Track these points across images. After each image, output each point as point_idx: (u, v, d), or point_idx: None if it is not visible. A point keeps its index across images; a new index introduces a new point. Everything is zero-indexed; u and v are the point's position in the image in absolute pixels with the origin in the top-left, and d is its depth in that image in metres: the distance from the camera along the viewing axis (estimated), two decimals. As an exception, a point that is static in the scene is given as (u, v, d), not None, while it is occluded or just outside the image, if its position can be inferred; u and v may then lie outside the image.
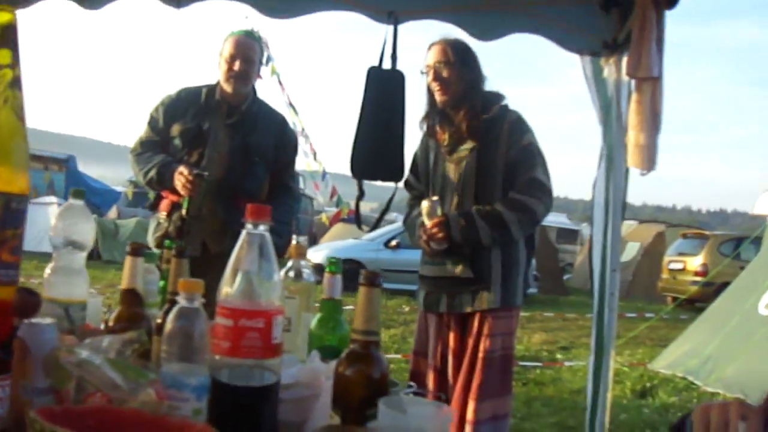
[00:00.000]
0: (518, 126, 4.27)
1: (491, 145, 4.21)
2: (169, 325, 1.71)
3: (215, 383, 1.69)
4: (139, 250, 2.23)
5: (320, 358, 2.05)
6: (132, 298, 2.17)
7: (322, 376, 1.91)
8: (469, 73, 4.29)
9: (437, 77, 4.24)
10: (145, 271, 2.44)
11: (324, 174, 13.85)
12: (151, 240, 4.69)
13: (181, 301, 1.70)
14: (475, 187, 4.18)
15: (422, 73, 4.33)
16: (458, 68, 4.25)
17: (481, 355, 4.16)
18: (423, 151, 4.49)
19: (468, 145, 4.23)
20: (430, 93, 4.32)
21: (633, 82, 4.61)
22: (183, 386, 1.68)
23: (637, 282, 23.98)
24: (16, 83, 1.48)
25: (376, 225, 4.74)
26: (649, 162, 4.45)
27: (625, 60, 4.63)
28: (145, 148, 4.72)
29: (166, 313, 2.05)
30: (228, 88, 4.70)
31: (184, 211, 4.52)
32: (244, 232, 1.70)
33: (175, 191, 4.55)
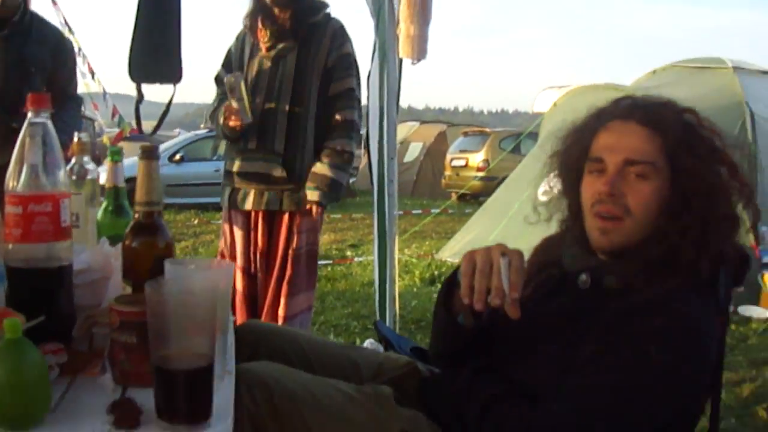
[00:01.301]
0: (341, 33, 4.36)
1: (312, 47, 4.29)
2: (-39, 217, 1.77)
3: (10, 270, 1.76)
4: None
5: (109, 244, 2.15)
6: None
7: (111, 258, 2.00)
8: None
9: None
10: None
11: (104, 94, 13.47)
12: None
13: (-29, 191, 1.76)
14: (293, 85, 4.26)
15: None
16: None
17: (290, 252, 4.31)
18: (238, 48, 4.50)
19: (288, 44, 4.29)
20: None
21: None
22: (-21, 275, 1.76)
23: (422, 181, 24.50)
24: None
25: (157, 127, 4.76)
26: (419, 52, 4.69)
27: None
28: None
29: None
30: None
31: None
32: (26, 123, 1.75)
33: None
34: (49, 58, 4.75)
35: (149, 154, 1.76)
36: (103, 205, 2.49)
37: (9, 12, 4.61)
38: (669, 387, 1.87)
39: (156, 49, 4.45)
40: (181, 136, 21.36)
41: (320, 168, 4.29)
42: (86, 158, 2.58)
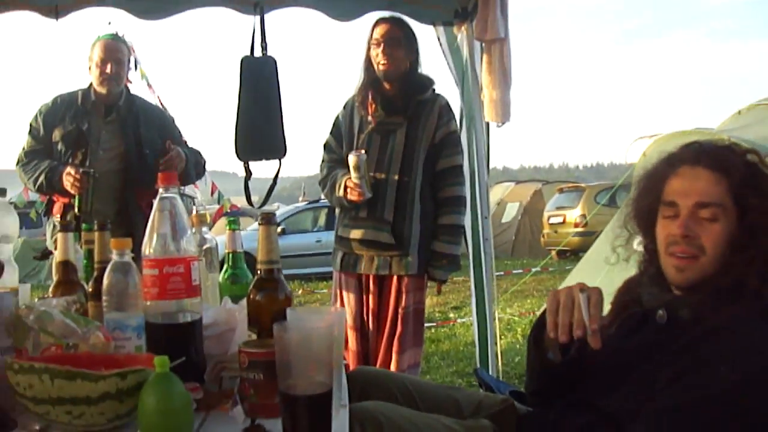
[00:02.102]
0: (447, 111, 4.60)
1: (420, 123, 4.52)
2: (107, 279, 2.06)
3: (149, 325, 2.03)
4: (68, 226, 2.55)
5: (231, 302, 2.43)
6: (67, 268, 2.49)
7: (235, 313, 2.27)
8: (412, 54, 4.57)
9: (386, 51, 4.47)
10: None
11: (202, 171, 13.91)
12: (50, 243, 4.87)
13: (115, 257, 2.05)
14: (402, 158, 4.47)
15: (369, 44, 4.56)
16: (405, 46, 4.52)
17: (400, 311, 4.52)
18: (347, 117, 4.73)
19: (397, 119, 4.53)
20: (369, 65, 4.57)
21: (483, 44, 5.08)
22: (125, 328, 2.04)
23: (520, 240, 24.52)
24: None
25: (266, 199, 5.05)
26: (503, 115, 4.93)
27: (474, 26, 5.09)
28: (30, 158, 4.93)
29: (97, 281, 2.38)
30: (102, 90, 4.95)
31: (76, 210, 4.72)
32: (158, 197, 2.04)
33: (64, 193, 4.78)
34: (157, 137, 5.08)
35: (268, 220, 2.06)
36: (224, 268, 2.78)
37: (113, 99, 5.01)
38: (739, 405, 2.02)
39: (260, 130, 4.74)
40: (281, 209, 21.80)
41: (438, 246, 4.54)
42: (205, 229, 2.87)
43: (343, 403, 2.00)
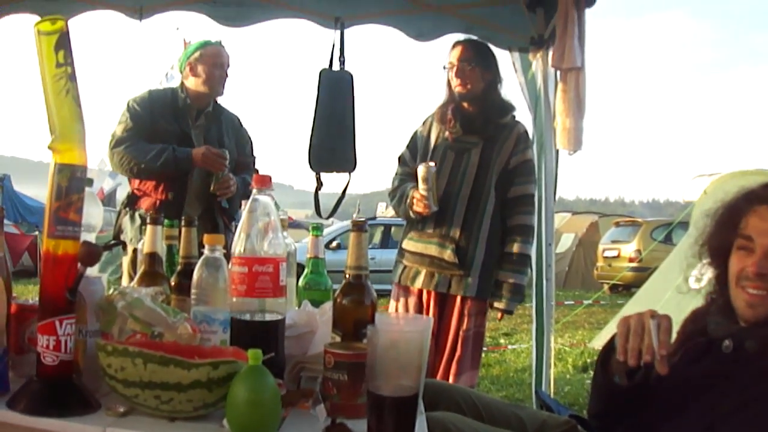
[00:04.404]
0: (524, 139, 4.62)
1: (496, 147, 4.53)
2: (197, 273, 2.13)
3: (234, 321, 2.09)
4: (158, 219, 2.62)
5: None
6: (153, 260, 2.56)
7: (316, 316, 2.33)
8: (489, 74, 4.60)
9: (459, 73, 4.53)
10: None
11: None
12: (129, 236, 4.80)
13: (207, 252, 2.12)
14: (474, 179, 4.49)
15: (444, 68, 4.62)
16: (479, 67, 4.55)
17: (461, 334, 4.51)
18: (425, 133, 4.75)
19: (473, 139, 4.55)
20: (450, 86, 4.60)
21: (559, 73, 5.11)
22: (212, 321, 2.11)
23: (574, 271, 24.44)
24: (73, 77, 1.84)
25: (333, 211, 5.10)
26: (575, 143, 4.94)
27: (550, 54, 5.12)
28: (135, 140, 4.80)
29: (180, 275, 2.46)
30: (208, 91, 4.94)
31: (213, 187, 4.77)
32: (251, 198, 2.11)
33: (169, 181, 4.77)
34: (234, 146, 5.10)
35: (360, 228, 2.12)
36: (304, 273, 2.84)
37: (205, 104, 5.02)
38: None
39: (334, 142, 4.81)
40: (336, 225, 21.92)
41: (503, 275, 4.51)
42: (285, 233, 2.93)
43: (420, 410, 2.04)
